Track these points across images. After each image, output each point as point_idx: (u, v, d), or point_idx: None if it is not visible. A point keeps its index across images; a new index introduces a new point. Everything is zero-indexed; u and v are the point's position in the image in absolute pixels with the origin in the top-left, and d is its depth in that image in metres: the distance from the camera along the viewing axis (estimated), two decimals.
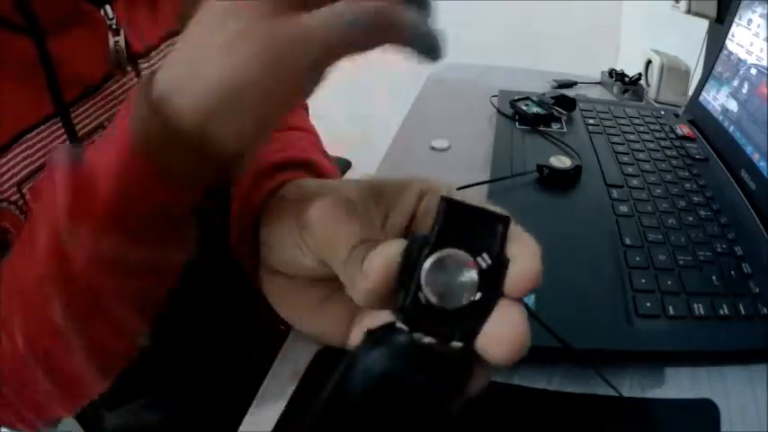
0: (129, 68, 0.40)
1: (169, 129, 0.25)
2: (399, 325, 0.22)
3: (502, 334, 0.22)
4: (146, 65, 0.41)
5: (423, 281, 0.22)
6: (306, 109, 0.58)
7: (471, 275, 0.22)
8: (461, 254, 0.22)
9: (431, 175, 0.31)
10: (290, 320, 0.37)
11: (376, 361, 0.21)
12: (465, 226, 0.23)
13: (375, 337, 0.22)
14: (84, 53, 0.37)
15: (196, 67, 0.24)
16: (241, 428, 0.35)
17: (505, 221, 0.23)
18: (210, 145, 0.25)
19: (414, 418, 0.21)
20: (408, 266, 0.23)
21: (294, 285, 0.35)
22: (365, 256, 0.25)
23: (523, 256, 0.23)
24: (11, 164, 0.35)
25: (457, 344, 0.22)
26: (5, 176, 0.35)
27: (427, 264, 0.22)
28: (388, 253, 0.24)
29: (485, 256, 0.22)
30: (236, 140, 0.26)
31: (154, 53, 0.42)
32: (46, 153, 0.36)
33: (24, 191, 0.36)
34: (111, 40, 0.38)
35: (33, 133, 0.35)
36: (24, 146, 0.35)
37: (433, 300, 0.22)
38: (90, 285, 0.29)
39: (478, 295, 0.22)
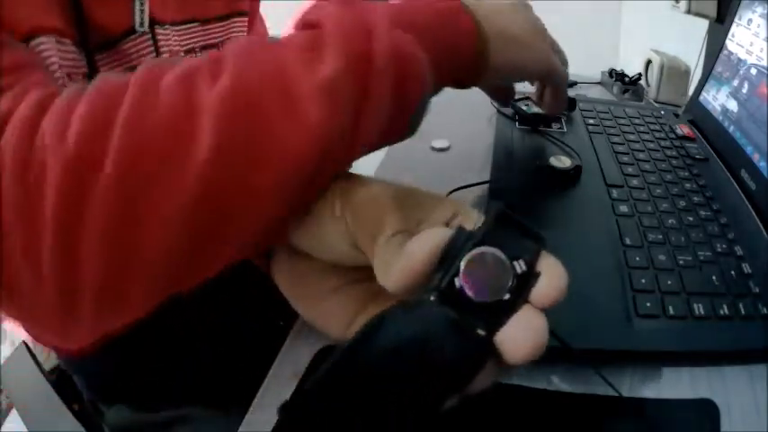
0: (148, 31, 0.42)
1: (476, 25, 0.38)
2: (433, 298, 0.24)
3: (524, 335, 0.23)
4: (162, 33, 0.42)
5: (462, 268, 0.24)
6: None
7: (507, 276, 0.24)
8: (502, 255, 0.24)
9: (460, 201, 0.32)
10: (293, 302, 0.37)
11: (408, 322, 0.22)
12: (507, 234, 0.25)
13: (409, 304, 0.23)
14: (109, 8, 0.39)
15: (495, 12, 0.40)
16: (241, 428, 0.35)
17: (542, 241, 0.25)
18: (482, 58, 0.39)
19: (423, 392, 0.21)
20: (450, 255, 0.25)
21: (310, 268, 0.35)
22: (403, 243, 0.26)
23: (553, 274, 0.25)
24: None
25: (480, 332, 0.23)
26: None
27: (470, 254, 0.24)
28: (435, 237, 0.25)
29: (521, 262, 0.24)
30: (495, 63, 0.40)
31: (169, 26, 0.43)
32: (59, 62, 0.36)
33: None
34: (138, 1, 0.40)
35: (57, 39, 0.36)
36: (44, 44, 0.36)
37: (467, 288, 0.24)
38: (385, 66, 0.31)
39: (507, 296, 0.24)
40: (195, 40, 0.47)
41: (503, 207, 0.25)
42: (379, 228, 0.28)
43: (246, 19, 0.52)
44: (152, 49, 0.42)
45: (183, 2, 0.45)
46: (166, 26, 0.43)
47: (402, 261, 0.25)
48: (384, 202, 0.30)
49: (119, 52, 0.40)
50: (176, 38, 0.45)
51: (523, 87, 0.87)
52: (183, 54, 0.46)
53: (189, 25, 0.47)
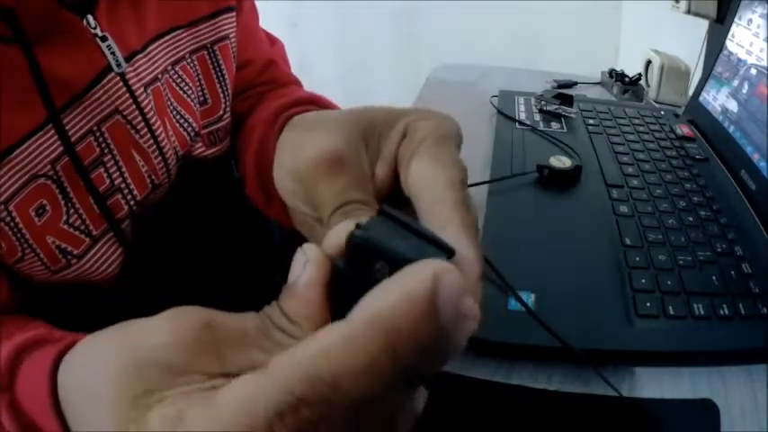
0: (113, 74, 0.39)
1: None
2: None
3: None
4: (131, 70, 0.40)
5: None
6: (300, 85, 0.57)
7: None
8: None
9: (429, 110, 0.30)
10: None
11: None
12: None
13: None
14: (69, 61, 0.36)
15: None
16: None
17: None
18: None
19: None
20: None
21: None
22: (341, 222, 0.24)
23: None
24: None
25: None
26: None
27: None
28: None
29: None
30: None
31: (139, 56, 0.41)
32: (36, 165, 0.35)
33: (11, 208, 0.35)
34: (103, 45, 0.38)
35: (25, 145, 0.35)
36: (15, 161, 0.34)
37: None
38: None
39: None
40: (183, 47, 0.45)
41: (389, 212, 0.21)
42: (323, 202, 0.27)
43: (234, 14, 0.49)
44: (125, 89, 0.39)
45: (163, 10, 0.43)
46: (136, 57, 0.41)
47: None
48: (325, 169, 0.28)
49: (90, 104, 0.37)
50: (163, 52, 0.43)
51: (523, 86, 0.88)
52: (170, 68, 0.44)
53: (175, 33, 0.44)
